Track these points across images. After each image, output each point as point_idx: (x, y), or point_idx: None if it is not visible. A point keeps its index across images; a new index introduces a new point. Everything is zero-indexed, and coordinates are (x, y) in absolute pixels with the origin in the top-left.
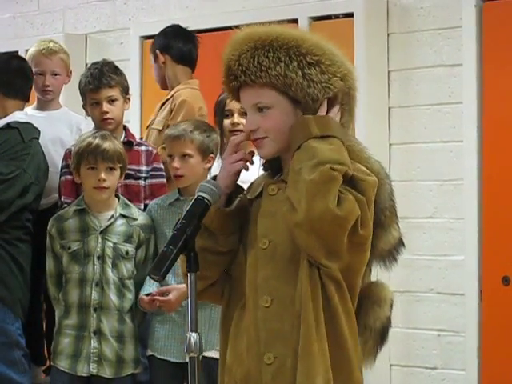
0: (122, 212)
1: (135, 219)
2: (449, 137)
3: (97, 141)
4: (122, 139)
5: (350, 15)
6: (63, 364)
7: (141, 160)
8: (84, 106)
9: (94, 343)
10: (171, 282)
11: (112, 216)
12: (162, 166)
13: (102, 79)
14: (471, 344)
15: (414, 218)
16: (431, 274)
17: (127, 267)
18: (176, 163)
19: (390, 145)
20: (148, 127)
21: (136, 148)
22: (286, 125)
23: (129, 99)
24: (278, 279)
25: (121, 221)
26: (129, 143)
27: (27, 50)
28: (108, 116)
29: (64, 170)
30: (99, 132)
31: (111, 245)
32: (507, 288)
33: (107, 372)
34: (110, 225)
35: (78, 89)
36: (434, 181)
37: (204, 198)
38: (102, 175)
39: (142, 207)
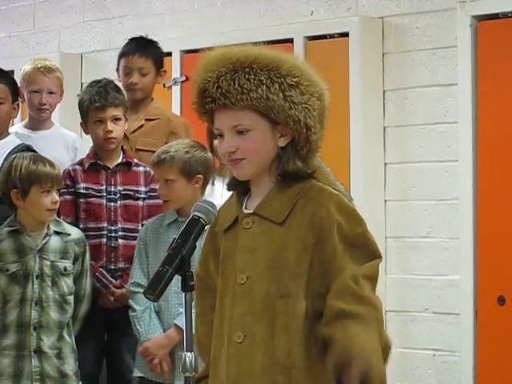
0: (55, 229)
1: (68, 234)
2: (444, 156)
3: (48, 166)
4: (120, 160)
5: (346, 35)
6: None
7: (139, 181)
8: (82, 124)
9: (34, 362)
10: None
11: (46, 234)
12: None
13: (107, 98)
14: (467, 364)
15: (410, 237)
16: (426, 294)
17: (67, 283)
18: (160, 189)
19: (385, 164)
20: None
21: (134, 169)
22: (265, 146)
23: (127, 119)
24: (253, 316)
25: (55, 238)
26: (127, 164)
27: None
28: (112, 135)
29: (62, 190)
30: (34, 155)
31: (49, 263)
32: (503, 307)
33: None
34: (45, 243)
35: (72, 108)
36: (430, 200)
37: (199, 217)
38: (57, 198)
39: (140, 227)
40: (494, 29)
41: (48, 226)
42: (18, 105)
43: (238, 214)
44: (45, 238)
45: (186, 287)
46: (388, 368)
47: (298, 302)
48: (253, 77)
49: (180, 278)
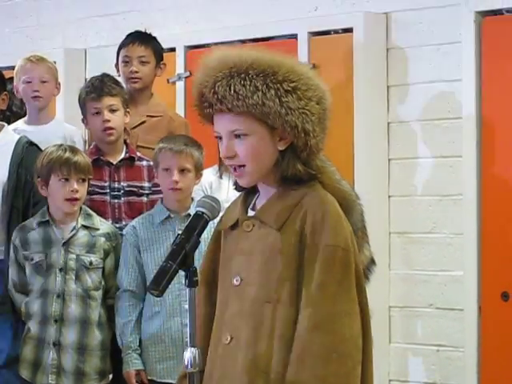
0: (84, 223)
1: (97, 229)
2: (448, 152)
3: (67, 154)
4: (123, 155)
5: (350, 30)
6: (25, 373)
7: (143, 176)
8: (83, 120)
9: (52, 355)
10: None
11: (74, 228)
12: None
13: (103, 88)
14: (470, 359)
15: (413, 233)
16: (430, 290)
17: (92, 278)
18: (176, 176)
19: (389, 160)
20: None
21: (137, 163)
22: (264, 151)
23: (128, 112)
24: (241, 318)
25: (83, 232)
26: (131, 159)
27: None
28: (110, 125)
29: None
30: (64, 145)
31: (74, 257)
32: (506, 303)
33: None
34: (72, 236)
35: (76, 104)
36: (433, 196)
37: (203, 213)
38: (75, 186)
39: None
40: (498, 25)
41: (77, 220)
42: (7, 95)
43: (239, 216)
44: (72, 231)
45: (189, 283)
46: (392, 363)
47: (286, 307)
48: (248, 83)
49: (184, 273)
